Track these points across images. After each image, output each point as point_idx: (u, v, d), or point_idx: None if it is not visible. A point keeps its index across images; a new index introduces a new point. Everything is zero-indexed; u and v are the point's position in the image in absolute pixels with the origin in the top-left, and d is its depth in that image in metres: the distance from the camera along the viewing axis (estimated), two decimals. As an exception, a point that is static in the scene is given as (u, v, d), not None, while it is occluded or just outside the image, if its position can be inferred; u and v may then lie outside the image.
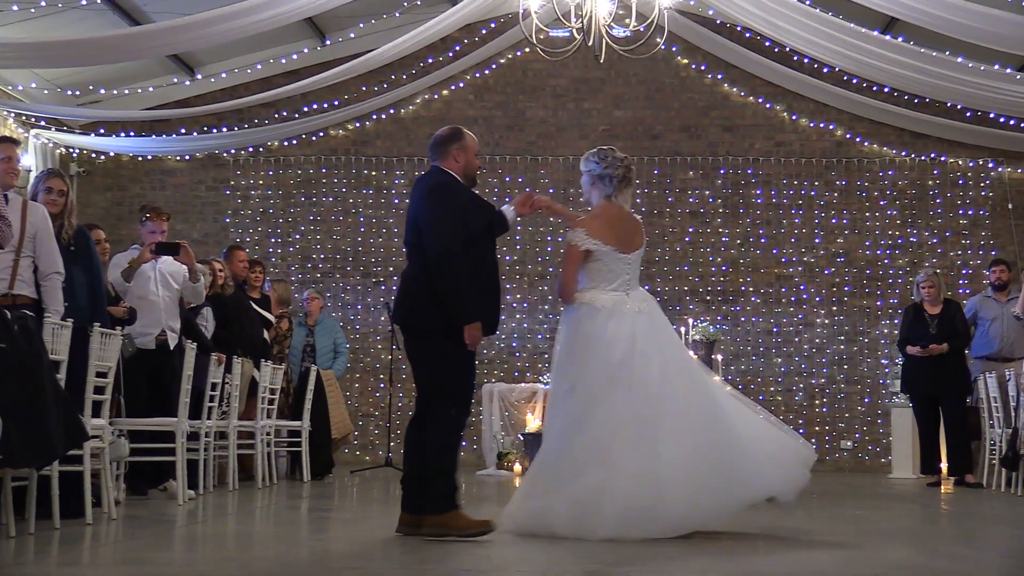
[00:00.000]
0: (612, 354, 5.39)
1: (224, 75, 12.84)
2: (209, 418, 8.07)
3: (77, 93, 12.30)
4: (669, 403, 5.34)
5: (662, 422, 5.28)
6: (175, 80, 12.80)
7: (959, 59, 10.99)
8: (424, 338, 5.31)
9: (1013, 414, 8.94)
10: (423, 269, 5.29)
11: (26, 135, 12.08)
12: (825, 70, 12.90)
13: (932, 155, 13.18)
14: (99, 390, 6.10)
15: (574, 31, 9.95)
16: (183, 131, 13.08)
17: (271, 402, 9.40)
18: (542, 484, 5.37)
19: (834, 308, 13.08)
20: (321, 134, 13.36)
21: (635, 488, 5.11)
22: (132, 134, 13.06)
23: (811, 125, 13.27)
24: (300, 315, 11.41)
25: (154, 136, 13.04)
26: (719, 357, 11.90)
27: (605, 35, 9.62)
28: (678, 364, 5.55)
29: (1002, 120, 12.43)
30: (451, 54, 13.09)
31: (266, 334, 9.94)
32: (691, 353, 5.85)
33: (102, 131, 12.98)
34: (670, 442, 5.23)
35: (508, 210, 5.62)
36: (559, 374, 5.62)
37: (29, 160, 11.96)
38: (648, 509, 5.09)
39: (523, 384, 12.24)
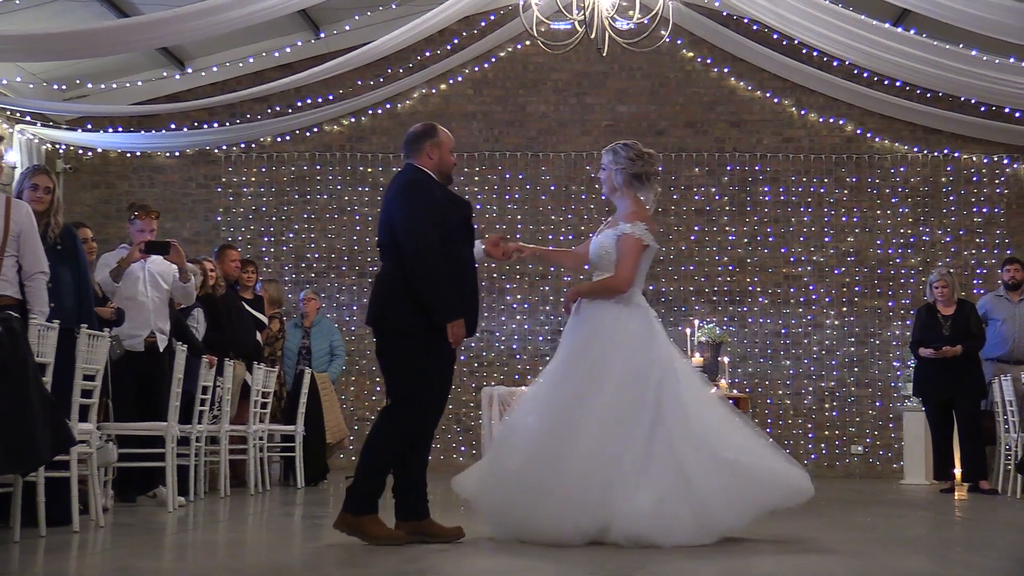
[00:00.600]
0: (663, 356, 5.44)
1: (215, 69, 12.84)
2: (200, 422, 8.07)
3: (63, 87, 12.30)
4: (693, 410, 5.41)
5: (695, 427, 5.33)
6: (164, 74, 12.80)
7: (973, 52, 10.98)
8: (398, 339, 5.33)
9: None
10: (398, 269, 5.31)
11: (11, 130, 12.08)
12: (835, 64, 12.90)
13: (945, 151, 13.18)
14: (86, 394, 6.10)
15: (576, 23, 9.95)
16: (173, 127, 13.07)
17: (264, 406, 9.39)
18: (528, 479, 5.22)
19: (844, 309, 13.07)
20: (315, 130, 13.35)
21: (701, 494, 5.17)
22: (120, 130, 13.06)
23: (821, 120, 13.27)
24: (296, 316, 11.41)
25: (143, 132, 13.03)
26: (726, 359, 11.89)
27: (608, 28, 9.62)
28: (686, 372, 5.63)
29: (1017, 115, 12.42)
30: (449, 47, 13.09)
31: (259, 336, 9.94)
32: None
33: (89, 126, 12.98)
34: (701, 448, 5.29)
35: (477, 248, 5.63)
36: (595, 368, 5.39)
37: (14, 156, 11.97)
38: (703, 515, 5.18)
39: (524, 387, 12.19)
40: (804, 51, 12.91)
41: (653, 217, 5.75)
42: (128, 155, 13.34)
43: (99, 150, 13.24)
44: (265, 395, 9.42)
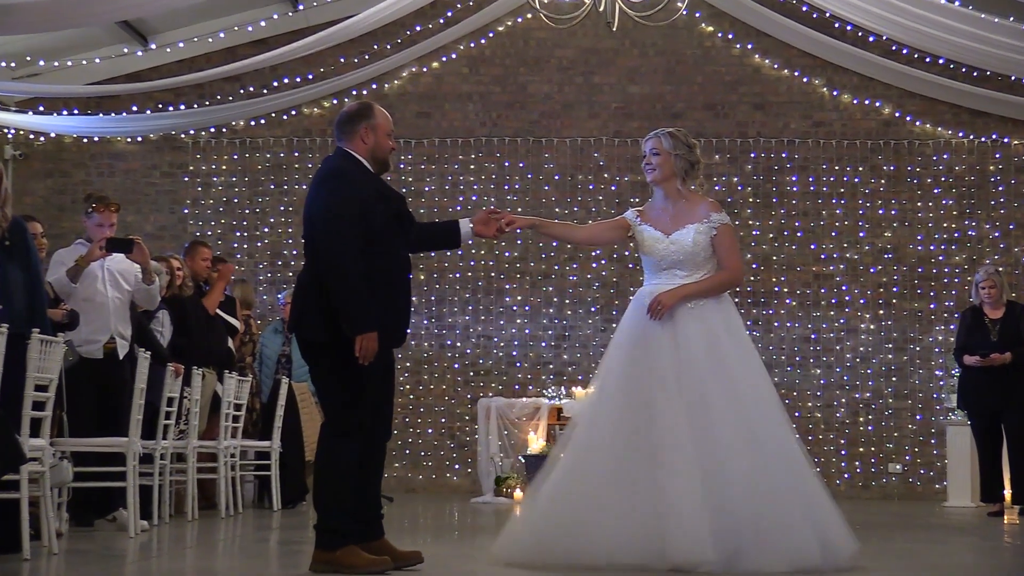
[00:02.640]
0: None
1: (182, 45, 12.83)
2: (165, 438, 8.06)
3: (12, 65, 12.28)
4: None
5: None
6: (125, 50, 12.78)
7: (1024, 26, 10.99)
8: (315, 353, 5.30)
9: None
10: (314, 271, 5.27)
11: (-45, 113, 12.08)
12: (871, 39, 12.89)
13: (993, 136, 13.18)
14: (38, 406, 6.08)
15: (583, -6, 9.94)
16: (135, 109, 13.06)
17: (236, 419, 9.38)
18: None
19: (881, 312, 13.07)
20: (293, 113, 13.35)
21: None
22: (76, 112, 13.04)
23: (855, 102, 13.27)
24: (276, 321, 11.40)
25: (101, 114, 13.01)
26: (749, 368, 11.87)
27: (619, -1, 9.60)
28: None
29: (1074, 96, 12.43)
30: (442, 21, 13.08)
31: (231, 342, 9.93)
32: None
33: (41, 108, 12.96)
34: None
35: (464, 227, 5.61)
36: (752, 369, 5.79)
37: (-42, 142, 11.96)
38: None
39: (524, 399, 12.21)
40: (836, 25, 12.90)
41: None
42: (85, 140, 13.33)
43: (52, 135, 13.22)
44: (238, 407, 9.41)
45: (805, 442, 12.63)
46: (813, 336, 13.07)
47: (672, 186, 5.82)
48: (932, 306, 13.07)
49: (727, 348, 5.62)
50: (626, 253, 12.95)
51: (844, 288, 13.12)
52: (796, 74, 13.29)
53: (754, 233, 13.16)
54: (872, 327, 13.07)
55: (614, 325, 12.92)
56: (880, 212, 13.20)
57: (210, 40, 12.83)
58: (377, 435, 5.38)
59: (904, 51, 12.88)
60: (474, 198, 13.00)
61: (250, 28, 12.76)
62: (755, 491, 5.18)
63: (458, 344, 13.11)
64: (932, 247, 13.14)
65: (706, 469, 5.23)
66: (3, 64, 12.22)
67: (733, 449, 5.29)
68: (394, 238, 5.30)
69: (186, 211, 13.30)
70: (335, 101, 13.30)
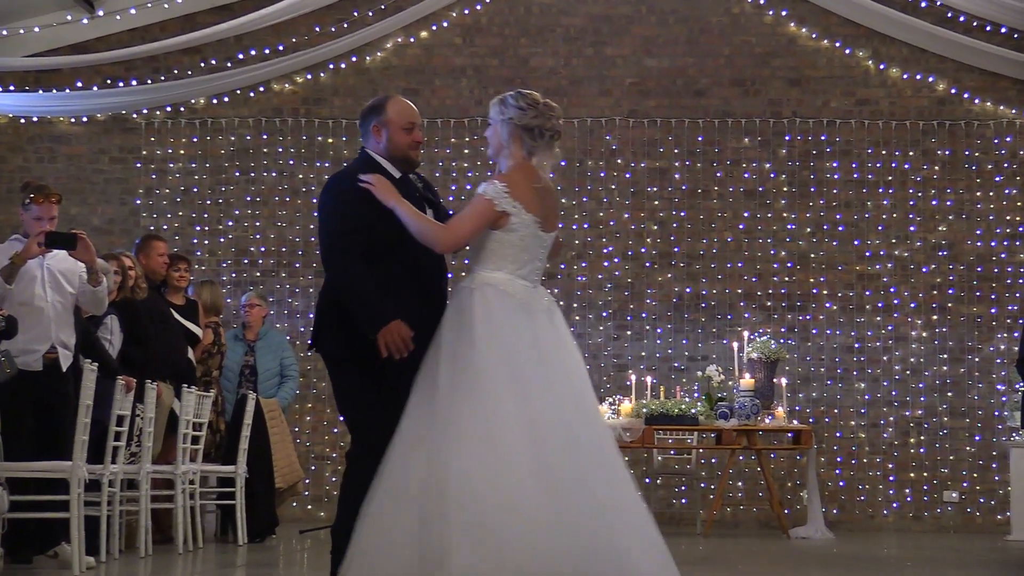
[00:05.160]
0: (524, 359, 5.25)
1: (133, 11, 12.83)
2: (114, 462, 8.05)
3: (-59, 35, 12.31)
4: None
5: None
6: (69, 18, 12.79)
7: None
8: (333, 368, 5.52)
9: None
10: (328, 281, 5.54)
11: None
12: (923, 4, 12.90)
13: (1063, 116, 13.20)
14: (-31, 425, 6.09)
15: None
16: (79, 85, 13.07)
17: (196, 441, 9.39)
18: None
19: (935, 317, 13.07)
20: (262, 89, 13.35)
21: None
22: (12, 89, 13.05)
23: (904, 77, 13.27)
24: (237, 327, 11.40)
25: (41, 91, 13.03)
26: (783, 381, 11.89)
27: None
28: (580, 391, 5.38)
29: None
30: (432, -16, 13.11)
31: (191, 352, 9.93)
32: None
33: (-27, 85, 13.00)
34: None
35: None
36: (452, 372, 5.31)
37: None
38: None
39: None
40: (883, -11, 12.93)
41: (547, 185, 5.49)
42: (22, 120, 13.33)
43: (-14, 115, 13.26)
44: (198, 427, 9.41)
45: (847, 467, 12.72)
46: (857, 345, 13.07)
47: (503, 157, 5.50)
48: (993, 311, 13.08)
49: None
50: (642, 251, 12.96)
51: (892, 290, 13.12)
52: (837, 45, 13.30)
53: (789, 228, 13.16)
54: (924, 335, 13.07)
55: (629, 332, 13.06)
56: (933, 203, 13.20)
57: (166, 6, 12.83)
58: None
59: (961, 18, 12.89)
60: (468, 187, 13.01)
61: (212, -8, 12.79)
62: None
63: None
64: (993, 243, 13.14)
65: None
66: (-71, 34, 12.25)
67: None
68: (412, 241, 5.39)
69: (139, 202, 13.31)
70: (308, 76, 13.31)
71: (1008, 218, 13.16)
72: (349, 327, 5.33)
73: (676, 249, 13.07)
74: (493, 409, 5.10)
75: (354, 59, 13.30)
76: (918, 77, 13.27)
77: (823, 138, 13.27)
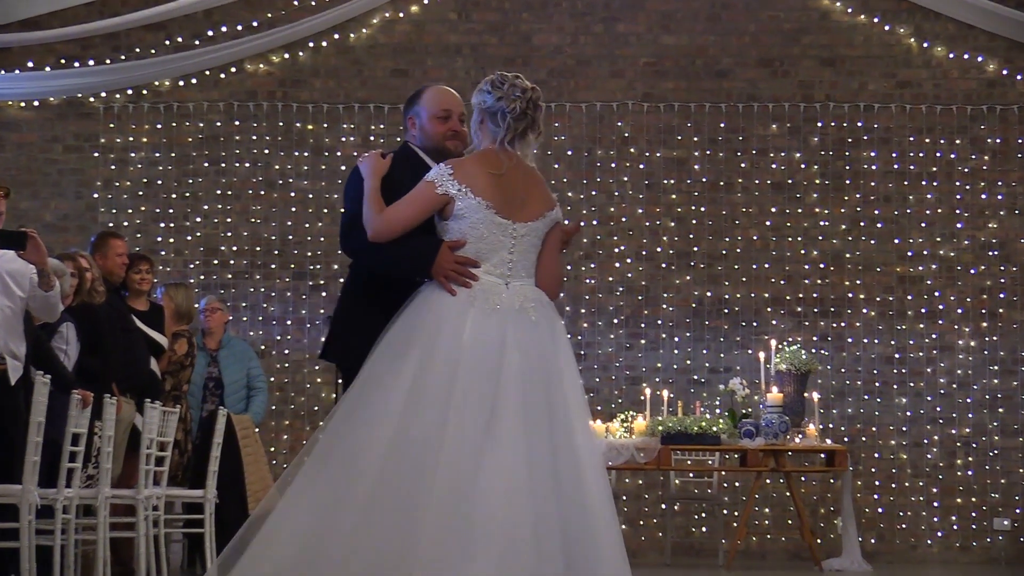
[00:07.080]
0: (453, 370, 5.15)
1: (91, -17, 12.86)
2: (69, 485, 8.05)
3: None
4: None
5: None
6: (19, -10, 12.81)
7: None
8: (348, 379, 5.45)
9: None
10: (353, 280, 5.57)
11: None
12: (970, -24, 12.92)
13: None
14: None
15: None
16: (30, 65, 13.08)
17: (160, 461, 9.38)
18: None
19: (984, 325, 13.07)
20: (233, 70, 13.36)
21: None
22: (-44, 70, 13.08)
23: (951, 57, 13.28)
24: (197, 335, 11.41)
25: (-12, 72, 13.06)
26: (816, 395, 11.89)
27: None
28: (562, 404, 5.34)
29: None
30: (423, -48, 13.13)
31: (154, 364, 9.93)
32: (583, 398, 5.51)
33: (-88, 65, 13.03)
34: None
35: None
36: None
37: None
38: None
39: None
40: (927, -42, 12.94)
41: (518, 170, 5.43)
42: (-33, 106, 13.37)
43: (-74, 99, 13.28)
44: (163, 446, 9.41)
45: (886, 491, 12.70)
46: (897, 355, 13.07)
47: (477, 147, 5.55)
48: (1049, 317, 13.10)
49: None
50: (658, 250, 12.96)
51: (937, 294, 13.13)
52: (875, 21, 13.31)
53: (822, 224, 13.17)
54: (973, 344, 13.07)
55: (643, 341, 13.05)
56: (983, 197, 13.21)
57: (127, -23, 12.86)
58: None
59: (1013, -9, 12.91)
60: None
61: (178, -38, 12.81)
62: None
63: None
64: (1049, 242, 13.17)
65: None
66: None
67: None
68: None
69: (96, 195, 13.31)
70: (286, 55, 13.32)
71: (1066, 214, 13.19)
72: (365, 334, 5.28)
73: (696, 248, 13.06)
74: (354, 432, 5.10)
75: (336, 36, 13.30)
76: (966, 57, 13.28)
77: (860, 124, 13.28)
